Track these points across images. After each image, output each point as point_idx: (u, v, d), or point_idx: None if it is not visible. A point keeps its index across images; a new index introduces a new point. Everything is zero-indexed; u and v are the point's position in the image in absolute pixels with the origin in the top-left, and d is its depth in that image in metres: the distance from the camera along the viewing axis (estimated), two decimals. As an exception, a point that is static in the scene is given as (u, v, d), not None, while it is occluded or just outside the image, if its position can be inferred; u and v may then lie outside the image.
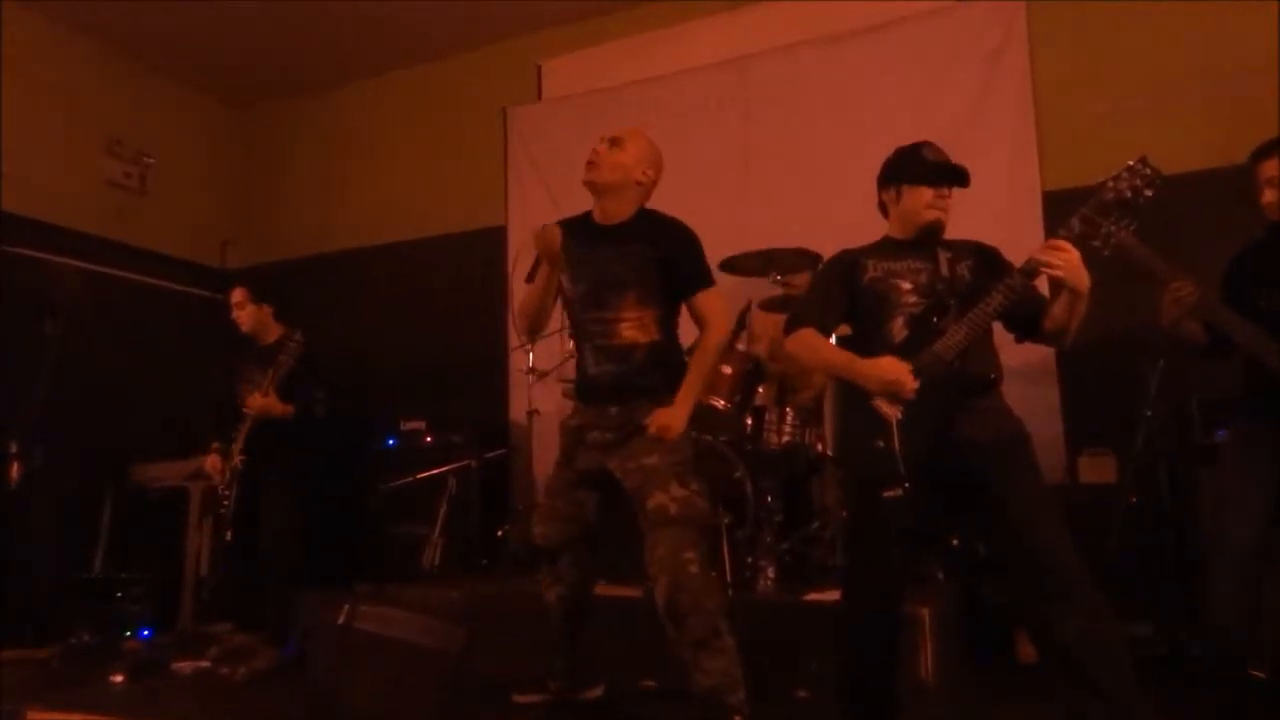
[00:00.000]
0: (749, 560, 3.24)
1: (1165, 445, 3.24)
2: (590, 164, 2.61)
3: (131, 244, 5.24)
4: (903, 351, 2.18)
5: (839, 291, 2.35)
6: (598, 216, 2.65)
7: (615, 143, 2.62)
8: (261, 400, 3.58)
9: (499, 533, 4.18)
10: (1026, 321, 2.24)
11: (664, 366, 2.56)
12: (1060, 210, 2.10)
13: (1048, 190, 3.97)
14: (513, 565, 3.97)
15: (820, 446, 3.51)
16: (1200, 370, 2.69)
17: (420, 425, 4.58)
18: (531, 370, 4.25)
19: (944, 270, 2.27)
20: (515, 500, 4.57)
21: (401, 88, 5.62)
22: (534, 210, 5.05)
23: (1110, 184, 2.05)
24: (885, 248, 2.38)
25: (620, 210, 2.61)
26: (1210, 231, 2.64)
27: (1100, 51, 4.02)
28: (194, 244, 5.67)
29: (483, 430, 4.48)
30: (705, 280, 2.56)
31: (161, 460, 4.49)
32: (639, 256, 2.52)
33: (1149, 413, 3.15)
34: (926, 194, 2.30)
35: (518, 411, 4.73)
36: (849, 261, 2.38)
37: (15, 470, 4.00)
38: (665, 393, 2.49)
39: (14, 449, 4.03)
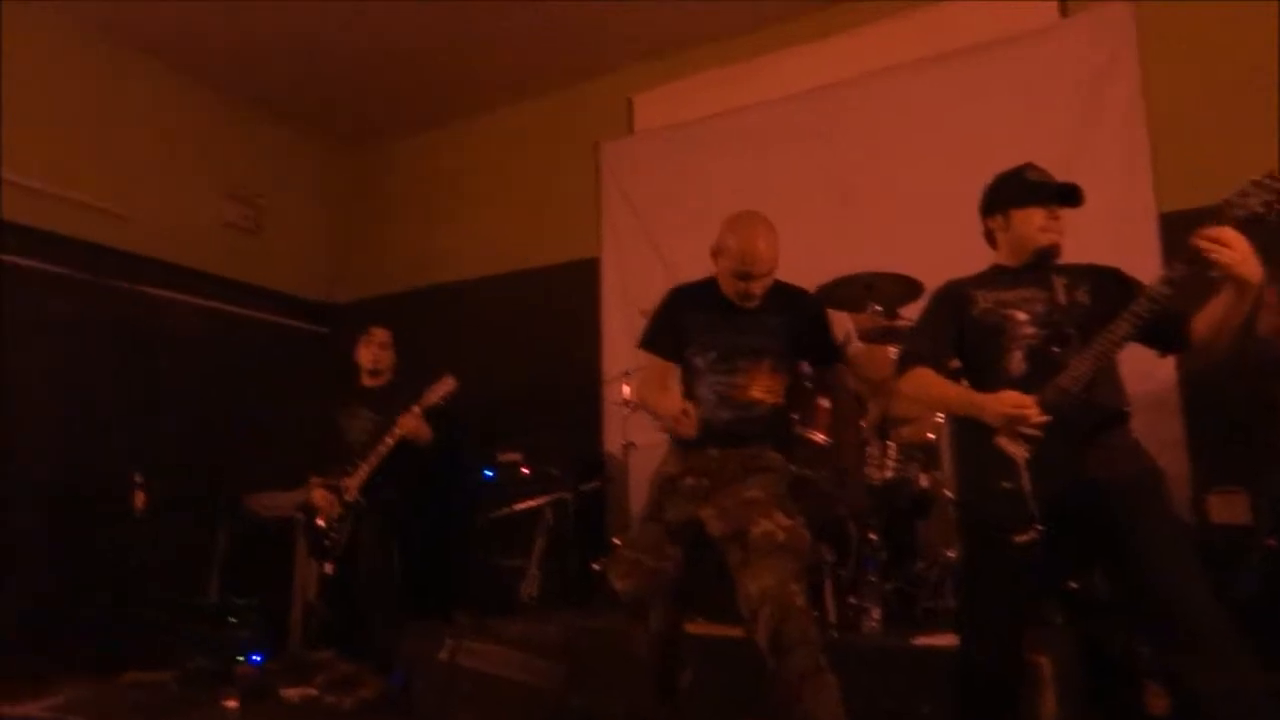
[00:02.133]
0: (851, 601, 3.14)
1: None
2: (749, 275, 2.55)
3: (246, 281, 5.50)
4: (1023, 387, 2.07)
5: (948, 325, 2.26)
6: (732, 295, 2.62)
7: (767, 233, 2.59)
8: (416, 421, 3.68)
9: (595, 566, 4.17)
10: (1168, 336, 2.09)
11: (780, 426, 2.63)
12: (1179, 233, 1.97)
13: (1164, 212, 3.78)
14: (609, 600, 3.94)
15: (924, 482, 3.39)
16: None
17: (517, 457, 4.62)
18: (628, 402, 4.25)
19: (1061, 297, 2.15)
20: (611, 533, 4.56)
21: (498, 126, 5.76)
22: (628, 241, 5.09)
23: (1237, 200, 1.90)
24: (995, 277, 2.28)
25: (759, 289, 2.60)
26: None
27: (1217, 63, 3.80)
28: (303, 280, 5.92)
29: (579, 462, 4.50)
30: (838, 354, 2.67)
31: (273, 490, 4.65)
32: (775, 329, 2.57)
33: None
34: (1038, 217, 2.20)
35: (613, 443, 4.73)
36: (957, 294, 2.29)
37: (140, 499, 4.22)
38: (774, 446, 2.54)
39: (139, 479, 4.25)
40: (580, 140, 5.36)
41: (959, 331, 2.26)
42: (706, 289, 2.71)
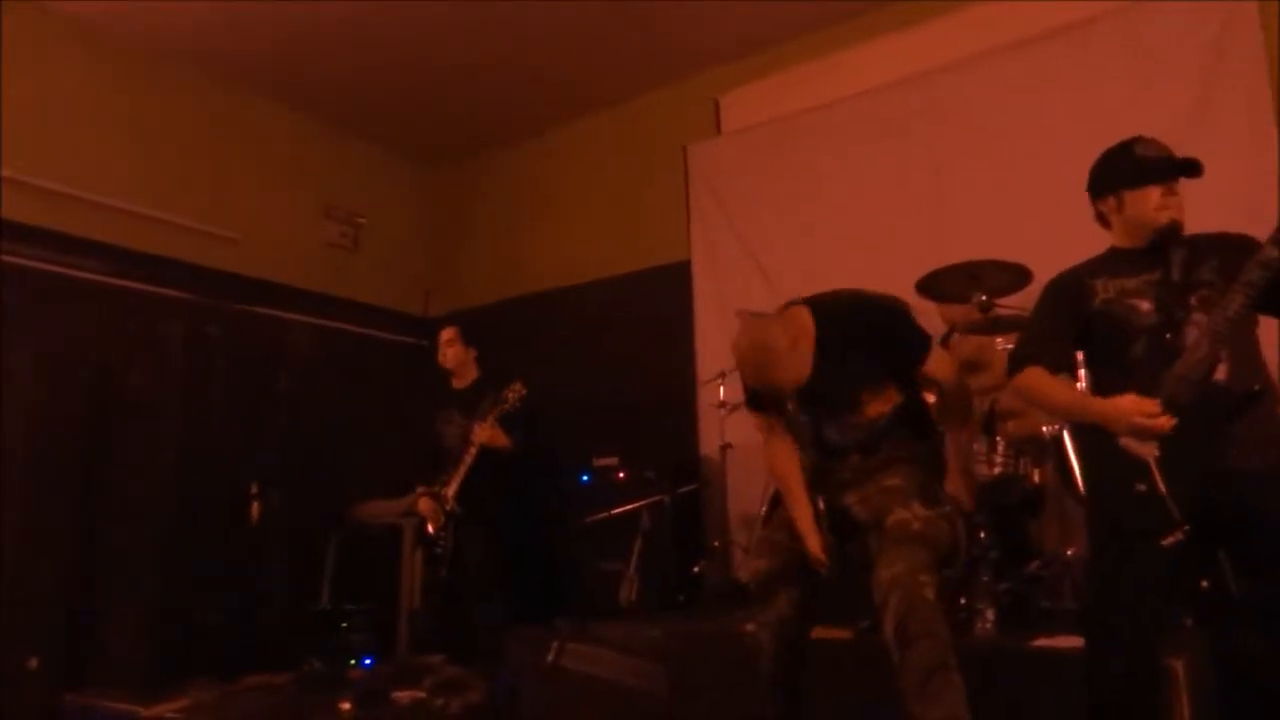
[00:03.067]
0: (963, 601, 3.02)
1: None
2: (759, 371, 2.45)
3: (348, 298, 5.69)
4: (1142, 376, 1.94)
5: (1067, 319, 2.13)
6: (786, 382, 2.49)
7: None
8: (489, 430, 3.76)
9: (695, 569, 4.14)
10: None
11: (913, 418, 2.51)
12: None
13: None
14: (710, 602, 3.92)
15: (1035, 477, 3.25)
16: None
17: (613, 461, 4.65)
18: (723, 404, 4.22)
19: (1176, 274, 2.00)
20: (708, 536, 4.53)
21: (584, 134, 5.82)
22: (719, 242, 5.06)
23: None
24: (1114, 261, 2.14)
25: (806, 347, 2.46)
26: None
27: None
28: (400, 295, 6.08)
29: (675, 465, 4.49)
30: (924, 345, 2.46)
31: (379, 499, 4.79)
32: (859, 356, 2.42)
33: None
34: (1154, 195, 2.06)
35: (708, 446, 4.70)
36: (1075, 284, 2.15)
37: (256, 510, 4.41)
38: (913, 438, 2.46)
39: (254, 491, 4.44)
40: (667, 144, 5.35)
41: (1080, 322, 2.12)
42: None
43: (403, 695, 3.56)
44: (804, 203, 4.76)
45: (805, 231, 4.71)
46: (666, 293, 5.18)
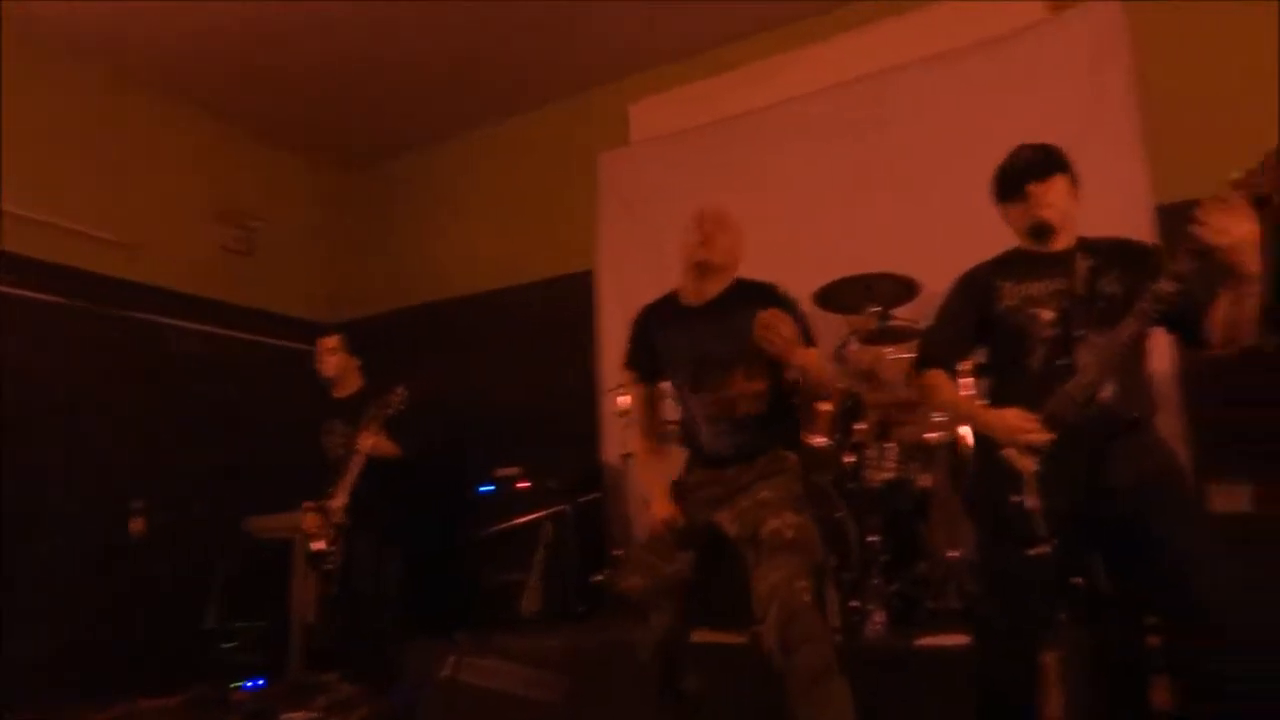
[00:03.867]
0: (855, 604, 3.11)
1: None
2: (704, 243, 2.55)
3: (242, 304, 5.49)
4: (1039, 389, 2.02)
5: (970, 320, 2.22)
6: (691, 297, 2.62)
7: (722, 224, 2.58)
8: (373, 438, 3.66)
9: (597, 578, 4.14)
10: (1190, 331, 2.01)
11: (783, 428, 2.60)
12: (1176, 225, 1.91)
13: (1161, 205, 3.76)
14: (612, 611, 3.91)
15: (925, 482, 3.37)
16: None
17: (515, 471, 4.60)
18: (624, 413, 4.23)
19: (1080, 287, 2.06)
20: (612, 544, 4.53)
21: (492, 141, 5.77)
22: (626, 251, 5.08)
23: (1245, 179, 1.80)
24: (1018, 262, 2.21)
25: (716, 287, 2.59)
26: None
27: (1210, 54, 3.79)
28: (301, 301, 5.91)
29: (577, 475, 4.48)
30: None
31: (271, 513, 4.63)
32: (739, 332, 2.43)
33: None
34: (1021, 200, 2.17)
35: (612, 454, 4.71)
36: (981, 283, 2.22)
37: (138, 525, 4.20)
38: (785, 447, 2.52)
39: (137, 505, 4.24)
40: (576, 153, 5.36)
41: (983, 322, 2.20)
42: (667, 302, 2.70)
43: (295, 716, 3.45)
44: (709, 213, 4.81)
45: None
46: (572, 301, 5.18)
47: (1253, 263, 1.81)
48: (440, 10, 4.53)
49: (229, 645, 4.11)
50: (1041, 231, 2.16)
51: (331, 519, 3.70)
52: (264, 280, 5.69)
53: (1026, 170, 2.16)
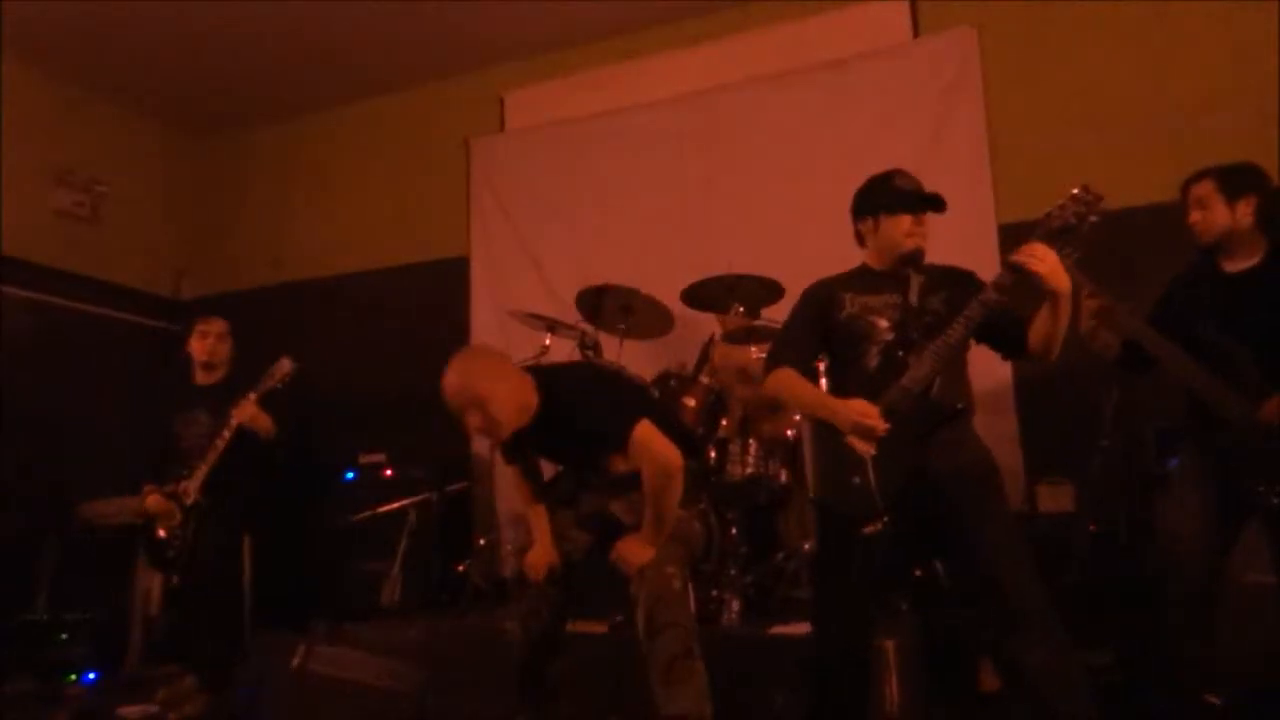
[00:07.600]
0: (713, 594, 3.21)
1: (1122, 473, 3.29)
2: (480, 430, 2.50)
3: (83, 274, 5.13)
4: (876, 384, 2.20)
5: (816, 327, 2.38)
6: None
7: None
8: (251, 409, 3.41)
9: (460, 568, 4.10)
10: (1010, 341, 2.27)
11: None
12: (1015, 242, 2.14)
13: (1003, 223, 4.03)
14: (474, 601, 3.89)
15: (783, 477, 3.50)
16: (1157, 398, 2.73)
17: (380, 458, 4.51)
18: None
19: (913, 299, 2.29)
20: (476, 534, 4.50)
21: (361, 118, 5.60)
22: (497, 239, 5.04)
23: (1056, 212, 2.08)
24: (862, 278, 2.40)
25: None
26: (1159, 264, 2.71)
27: (1051, 87, 4.11)
28: (147, 274, 5.57)
29: (444, 463, 4.42)
30: (619, 438, 2.38)
31: (110, 497, 4.35)
32: (579, 441, 2.49)
33: (1105, 442, 3.19)
34: (905, 222, 2.32)
35: (479, 444, 4.67)
36: (826, 295, 2.39)
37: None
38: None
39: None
40: (449, 137, 5.27)
41: (827, 330, 2.37)
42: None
43: (131, 710, 3.28)
44: (582, 205, 4.85)
45: (582, 233, 4.80)
46: (442, 287, 5.10)
47: (1063, 284, 2.06)
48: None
49: (61, 637, 3.83)
50: (916, 258, 2.33)
51: (183, 500, 3.44)
52: (110, 249, 5.33)
53: (929, 201, 2.32)
